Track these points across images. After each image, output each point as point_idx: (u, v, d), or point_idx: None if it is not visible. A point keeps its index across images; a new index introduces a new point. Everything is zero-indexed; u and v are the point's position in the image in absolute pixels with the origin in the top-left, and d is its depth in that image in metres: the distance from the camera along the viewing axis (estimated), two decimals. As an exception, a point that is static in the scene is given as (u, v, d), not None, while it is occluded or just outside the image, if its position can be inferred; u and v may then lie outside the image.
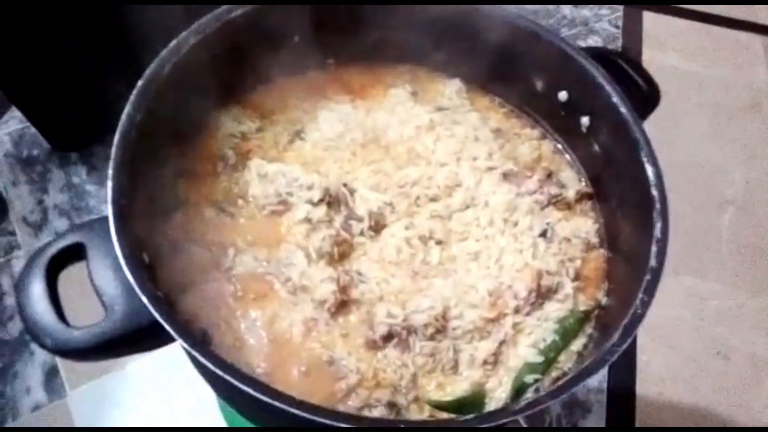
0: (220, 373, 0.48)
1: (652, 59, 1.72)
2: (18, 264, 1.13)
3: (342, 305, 0.63)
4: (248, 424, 0.65)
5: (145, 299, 0.50)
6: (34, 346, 1.04)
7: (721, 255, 1.33)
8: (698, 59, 1.71)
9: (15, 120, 1.32)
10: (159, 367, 1.02)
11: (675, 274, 1.28)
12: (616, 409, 1.10)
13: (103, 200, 1.21)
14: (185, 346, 0.50)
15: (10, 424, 0.96)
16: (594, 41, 1.75)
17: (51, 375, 1.02)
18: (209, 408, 0.97)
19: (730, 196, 1.42)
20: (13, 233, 1.17)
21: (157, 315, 0.50)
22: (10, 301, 1.09)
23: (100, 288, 0.55)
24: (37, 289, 0.54)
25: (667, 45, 1.75)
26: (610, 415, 1.09)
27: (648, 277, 0.57)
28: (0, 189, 1.21)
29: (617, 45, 1.76)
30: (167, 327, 0.49)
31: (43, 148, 1.29)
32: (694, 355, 1.18)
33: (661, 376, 1.15)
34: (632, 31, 1.77)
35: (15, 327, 1.06)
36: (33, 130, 1.27)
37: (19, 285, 0.55)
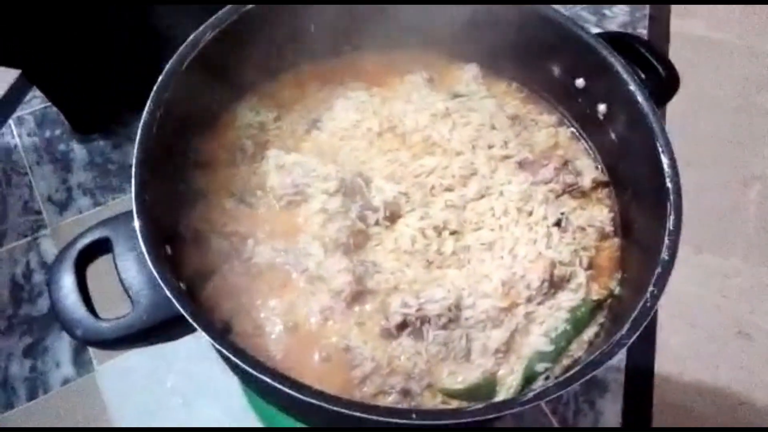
0: (243, 366, 0.50)
1: (681, 28, 1.67)
2: (45, 242, 1.15)
3: (358, 295, 0.64)
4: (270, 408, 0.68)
5: (169, 294, 0.52)
6: (62, 322, 1.06)
7: (746, 232, 1.31)
8: (727, 28, 1.65)
9: (38, 99, 1.33)
10: (185, 339, 1.05)
11: (698, 252, 1.26)
12: (634, 387, 1.10)
13: (125, 179, 1.24)
14: (209, 338, 0.52)
15: (41, 398, 0.99)
16: (619, 9, 1.72)
17: (79, 350, 1.03)
18: (234, 382, 0.97)
19: (757, 172, 1.39)
20: (39, 212, 1.19)
21: (181, 309, 0.52)
22: (38, 278, 1.11)
23: (126, 281, 0.58)
24: (67, 282, 0.57)
25: (696, 13, 1.69)
26: (627, 393, 1.09)
27: (659, 269, 0.57)
28: (26, 169, 1.23)
29: (645, 12, 1.71)
30: (191, 321, 0.52)
31: (66, 127, 1.30)
32: (715, 334, 1.18)
33: (680, 354, 1.15)
34: (660, -1, 1.72)
35: (44, 303, 1.07)
36: (55, 109, 1.28)
37: (51, 279, 0.58)
